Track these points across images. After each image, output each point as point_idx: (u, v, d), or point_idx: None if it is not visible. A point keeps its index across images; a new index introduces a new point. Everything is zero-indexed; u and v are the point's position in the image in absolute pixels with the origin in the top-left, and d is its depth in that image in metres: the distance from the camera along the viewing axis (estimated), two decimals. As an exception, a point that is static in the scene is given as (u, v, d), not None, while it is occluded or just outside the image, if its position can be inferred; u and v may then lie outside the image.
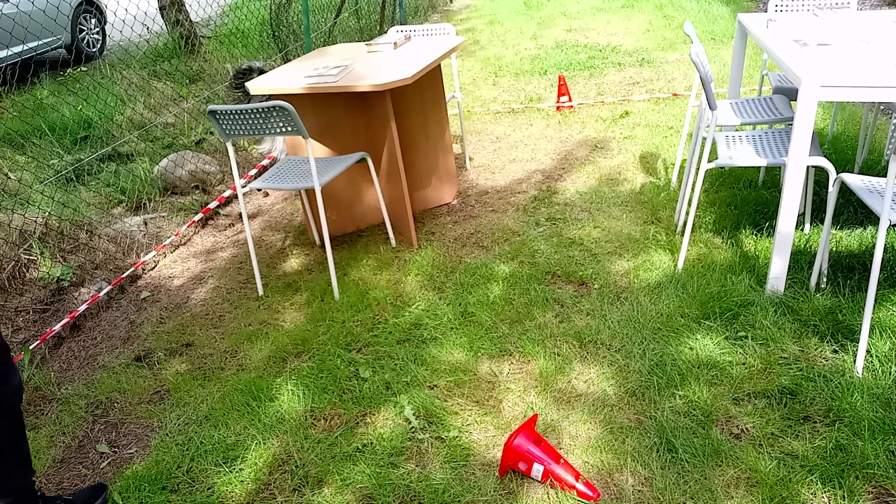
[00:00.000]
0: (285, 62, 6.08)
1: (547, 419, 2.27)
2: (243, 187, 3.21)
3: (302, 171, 3.27)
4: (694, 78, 3.58)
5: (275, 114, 2.85)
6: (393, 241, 3.57)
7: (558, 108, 5.35)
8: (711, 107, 2.67)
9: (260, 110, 2.85)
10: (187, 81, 7.08)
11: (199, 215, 4.17)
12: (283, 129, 2.93)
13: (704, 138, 3.12)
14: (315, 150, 3.62)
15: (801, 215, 3.22)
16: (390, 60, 3.43)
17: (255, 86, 3.29)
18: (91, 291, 3.52)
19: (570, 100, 5.35)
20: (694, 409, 2.22)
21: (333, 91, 3.18)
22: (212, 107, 2.94)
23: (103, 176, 4.76)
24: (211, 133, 5.57)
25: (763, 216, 3.29)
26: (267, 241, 3.87)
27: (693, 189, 2.86)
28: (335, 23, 7.14)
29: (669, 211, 3.53)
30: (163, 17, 8.24)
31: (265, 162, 4.93)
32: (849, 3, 3.74)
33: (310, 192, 3.65)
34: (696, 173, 3.28)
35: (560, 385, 2.42)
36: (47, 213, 3.97)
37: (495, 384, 2.47)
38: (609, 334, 2.64)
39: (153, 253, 3.77)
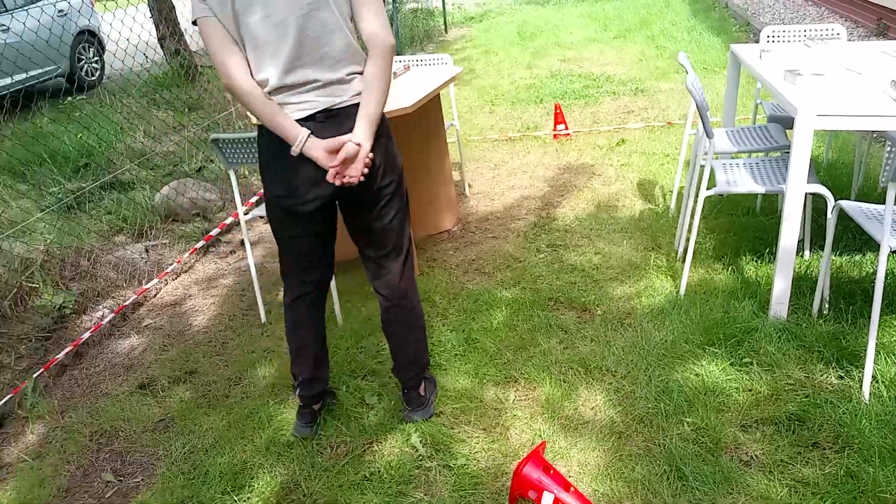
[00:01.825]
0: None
1: (555, 447, 2.27)
2: (245, 214, 3.22)
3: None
4: (689, 107, 3.64)
5: (281, 142, 2.88)
6: (395, 268, 3.58)
7: (555, 136, 5.41)
8: (708, 135, 2.71)
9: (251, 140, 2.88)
10: (186, 110, 7.14)
11: (201, 242, 4.18)
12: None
13: (703, 166, 3.17)
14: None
15: (801, 241, 3.26)
16: (391, 90, 3.47)
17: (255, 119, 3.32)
18: (93, 319, 3.51)
19: (566, 128, 5.42)
20: (702, 436, 2.23)
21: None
22: (214, 135, 2.97)
23: (104, 204, 4.78)
24: (211, 161, 5.60)
25: (762, 243, 3.33)
26: (269, 268, 3.88)
27: (693, 215, 2.89)
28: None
29: (669, 237, 3.56)
30: (161, 47, 8.33)
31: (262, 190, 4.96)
32: (839, 34, 3.83)
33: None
34: (696, 200, 3.32)
35: (567, 412, 2.42)
36: (49, 241, 3.97)
37: (501, 411, 2.47)
38: (614, 360, 2.65)
39: (155, 280, 3.77)
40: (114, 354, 3.21)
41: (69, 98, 7.70)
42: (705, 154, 3.13)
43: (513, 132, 5.67)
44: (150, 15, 8.13)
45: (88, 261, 3.91)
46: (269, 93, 1.97)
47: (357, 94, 2.01)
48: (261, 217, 3.23)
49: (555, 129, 5.42)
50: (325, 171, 2.00)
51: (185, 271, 4.00)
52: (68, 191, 4.94)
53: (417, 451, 2.31)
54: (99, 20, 9.88)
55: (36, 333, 3.39)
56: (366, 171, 1.99)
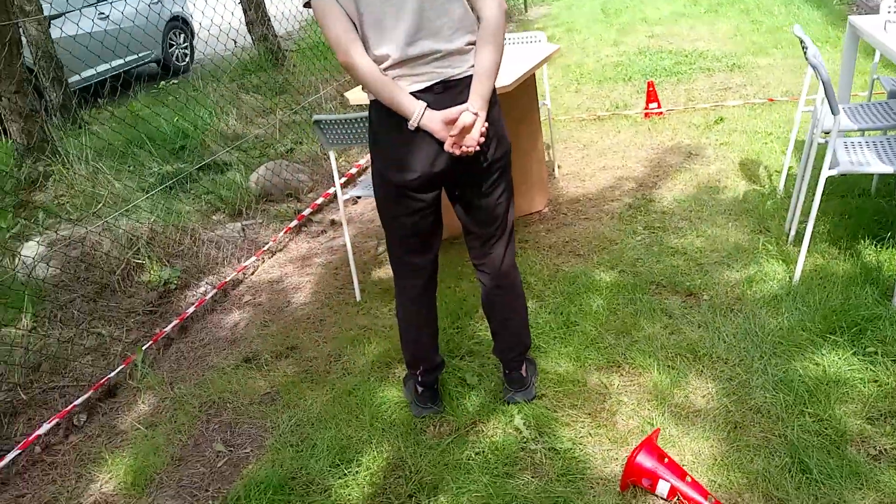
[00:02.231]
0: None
1: (666, 434, 2.19)
2: (343, 194, 3.25)
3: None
4: (804, 81, 3.43)
5: (381, 121, 2.88)
6: (488, 249, 3.54)
7: (646, 114, 5.24)
8: (834, 111, 2.54)
9: (365, 119, 2.88)
10: (273, 94, 7.29)
11: (294, 222, 4.26)
12: (388, 137, 2.95)
13: (821, 144, 2.98)
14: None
15: (926, 225, 3.04)
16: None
17: (354, 95, 3.33)
18: (196, 294, 3.63)
19: (658, 106, 5.23)
20: (826, 428, 2.11)
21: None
22: (317, 117, 3.00)
23: (202, 184, 4.93)
24: (299, 143, 5.70)
25: (881, 226, 3.12)
26: (360, 247, 3.91)
27: (813, 197, 2.72)
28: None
29: (778, 220, 3.39)
30: (249, 32, 8.52)
31: (353, 171, 5.01)
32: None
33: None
34: (815, 181, 3.12)
35: (677, 399, 2.34)
36: (152, 220, 4.13)
37: (606, 396, 2.41)
38: (725, 348, 2.54)
39: (253, 258, 3.86)
40: (217, 328, 3.31)
41: (162, 83, 7.98)
42: (824, 132, 2.95)
43: (601, 111, 5.52)
44: (238, 1, 8.31)
45: (190, 238, 4.04)
46: (389, 67, 1.95)
47: (472, 65, 1.97)
48: (357, 197, 3.25)
49: (647, 108, 5.24)
50: (441, 144, 1.97)
51: (280, 250, 4.09)
52: (168, 172, 5.12)
53: (521, 433, 2.28)
54: (189, 6, 10.19)
55: (143, 307, 3.54)
56: (482, 139, 1.96)
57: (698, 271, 3.07)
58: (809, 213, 2.78)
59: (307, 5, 1.97)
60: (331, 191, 4.69)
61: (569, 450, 2.18)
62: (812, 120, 3.09)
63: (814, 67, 2.60)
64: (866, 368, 2.32)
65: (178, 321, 3.30)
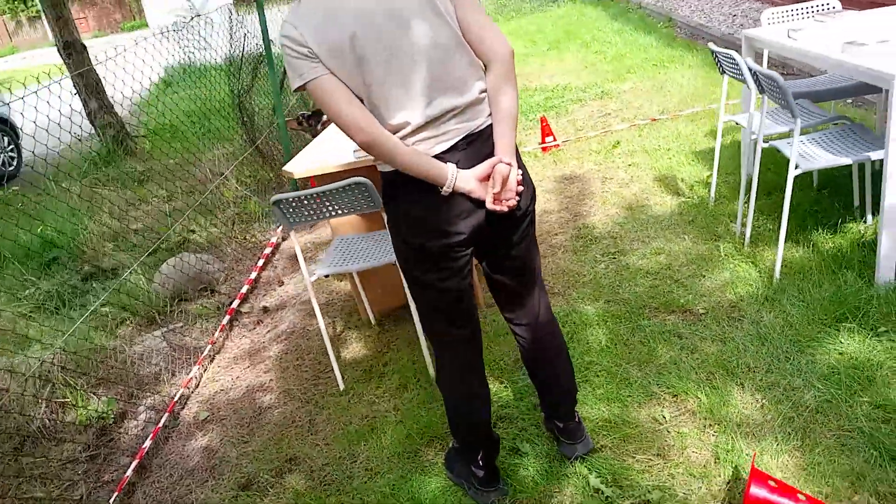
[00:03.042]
0: (254, 146, 5.83)
1: (744, 456, 2.13)
2: (311, 276, 2.96)
3: (370, 247, 3.06)
4: (721, 95, 3.64)
5: (351, 192, 2.66)
6: (459, 306, 3.37)
7: (544, 148, 5.36)
8: (794, 115, 2.69)
9: (334, 191, 2.65)
10: (136, 185, 6.68)
11: (226, 318, 3.84)
12: (358, 207, 2.73)
13: (764, 148, 3.14)
14: (356, 225, 3.42)
15: (858, 208, 3.29)
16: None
17: (299, 170, 3.07)
18: (140, 424, 3.12)
19: (554, 139, 5.38)
20: (891, 413, 2.15)
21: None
22: (276, 196, 2.71)
23: (95, 297, 4.32)
24: (191, 231, 5.22)
25: (823, 215, 3.34)
26: (313, 330, 3.59)
27: (784, 197, 2.85)
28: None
29: (722, 225, 3.53)
30: (91, 122, 7.80)
31: (268, 251, 4.65)
32: (834, 7, 3.94)
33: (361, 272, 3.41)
34: (787, 182, 3.28)
35: (734, 418, 2.29)
36: (55, 348, 3.53)
37: (664, 431, 2.32)
38: (751, 356, 2.55)
39: (196, 368, 3.40)
40: (185, 459, 2.84)
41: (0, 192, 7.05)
42: (767, 137, 3.13)
43: (499, 152, 5.57)
44: (74, 91, 7.60)
45: (108, 360, 3.49)
46: (410, 134, 1.78)
47: (489, 113, 1.85)
48: (325, 276, 2.97)
49: (543, 142, 5.37)
50: (473, 201, 1.82)
51: (218, 352, 3.65)
52: (47, 290, 4.45)
53: (603, 492, 2.12)
54: (8, 106, 9.18)
55: (80, 454, 2.97)
56: (520, 189, 1.83)
57: (679, 287, 3.11)
58: (750, 213, 2.90)
59: (300, 89, 1.76)
60: (253, 276, 4.30)
61: (662, 499, 2.05)
62: (748, 127, 3.26)
63: (771, 79, 2.74)
64: (888, 346, 2.42)
65: (135, 460, 2.80)
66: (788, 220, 2.95)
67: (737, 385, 2.44)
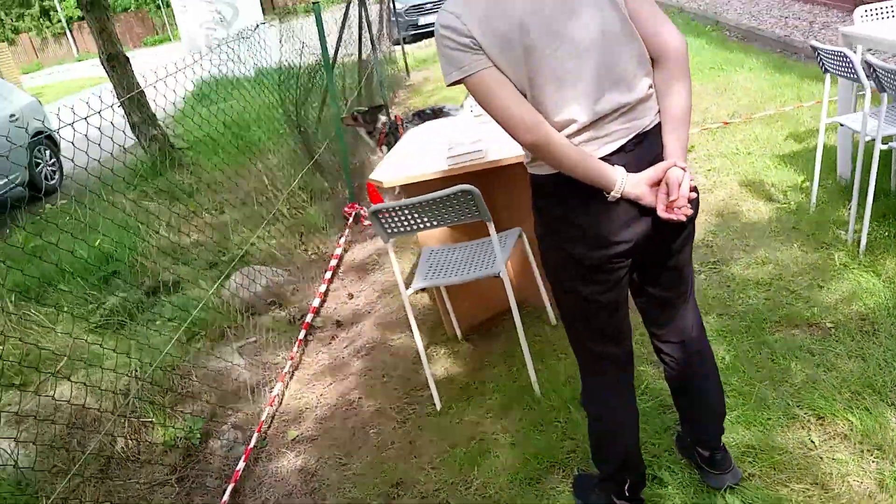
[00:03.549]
0: (308, 156, 5.71)
1: (919, 486, 1.94)
2: (407, 289, 2.81)
3: (462, 259, 2.90)
4: (823, 93, 3.45)
5: (457, 201, 2.50)
6: (553, 320, 3.20)
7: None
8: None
9: (440, 199, 2.50)
10: (186, 197, 6.59)
11: (302, 332, 3.69)
12: (463, 216, 2.58)
13: (883, 150, 2.95)
14: (447, 236, 3.27)
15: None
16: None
17: (390, 179, 2.93)
18: (226, 443, 2.98)
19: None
20: None
21: (478, 169, 2.86)
22: (375, 206, 2.57)
23: (157, 311, 4.21)
24: (251, 244, 5.10)
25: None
26: (395, 345, 3.43)
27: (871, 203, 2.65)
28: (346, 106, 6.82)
29: (832, 233, 3.33)
30: (135, 134, 7.77)
31: (333, 262, 4.51)
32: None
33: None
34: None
35: (894, 442, 2.09)
36: (132, 366, 3.40)
37: (817, 458, 2.12)
38: (898, 374, 2.35)
39: (279, 385, 3.26)
40: (280, 482, 2.69)
41: (49, 206, 7.01)
42: (886, 138, 2.94)
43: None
44: (118, 104, 7.56)
45: (184, 378, 3.36)
46: (575, 133, 1.62)
47: (657, 111, 1.68)
48: (419, 291, 2.83)
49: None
50: (638, 207, 1.65)
51: (297, 368, 3.50)
52: (112, 306, 4.35)
53: (763, 526, 1.93)
54: (49, 119, 9.20)
55: (169, 475, 2.83)
56: (693, 196, 1.65)
57: (798, 299, 2.91)
58: (865, 219, 2.70)
59: (457, 83, 1.61)
60: (322, 288, 4.16)
61: (832, 533, 1.86)
62: (863, 128, 3.06)
63: (888, 71, 2.55)
64: None
65: (231, 484, 2.65)
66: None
67: (888, 406, 2.24)
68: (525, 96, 1.60)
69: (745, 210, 3.81)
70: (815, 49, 3.34)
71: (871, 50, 3.70)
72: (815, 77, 5.72)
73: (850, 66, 3.03)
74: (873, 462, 2.06)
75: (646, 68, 1.65)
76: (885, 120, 3.25)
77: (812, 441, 2.18)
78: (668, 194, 1.62)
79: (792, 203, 3.73)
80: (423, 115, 5.42)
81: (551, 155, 1.59)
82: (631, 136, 1.65)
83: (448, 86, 1.62)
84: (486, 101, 1.59)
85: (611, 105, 1.61)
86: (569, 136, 1.61)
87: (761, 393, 2.42)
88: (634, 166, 1.64)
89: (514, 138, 1.62)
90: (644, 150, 1.66)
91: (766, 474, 2.10)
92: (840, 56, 3.10)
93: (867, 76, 2.92)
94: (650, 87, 1.66)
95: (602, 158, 1.63)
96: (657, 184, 1.64)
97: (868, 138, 3.09)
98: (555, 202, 1.71)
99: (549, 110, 1.60)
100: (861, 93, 3.16)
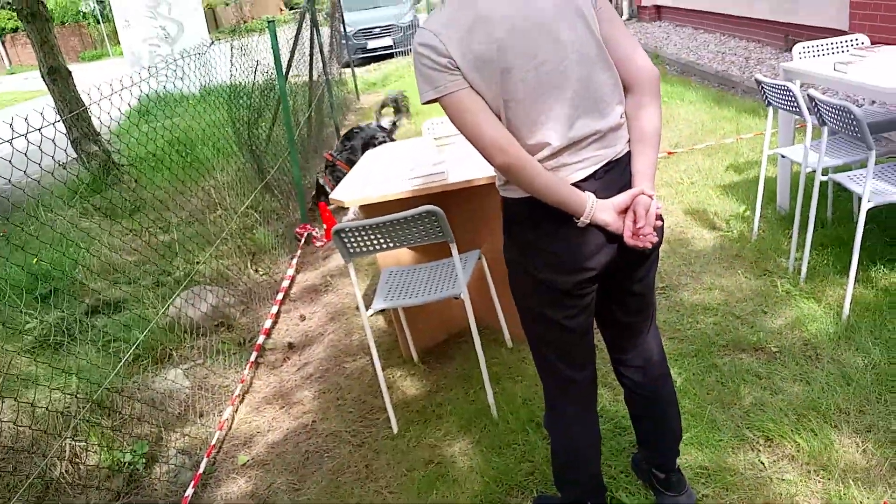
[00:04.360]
0: (262, 181, 5.63)
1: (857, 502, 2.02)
2: (367, 310, 2.79)
3: (423, 280, 2.90)
4: (766, 126, 3.61)
5: (422, 221, 2.51)
6: (509, 342, 3.23)
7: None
8: (869, 147, 2.65)
9: (404, 220, 2.50)
10: (126, 215, 6.39)
11: (253, 354, 3.61)
12: (426, 238, 2.59)
13: (822, 181, 3.10)
14: (406, 257, 3.27)
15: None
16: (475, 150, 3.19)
17: (350, 199, 2.92)
18: (172, 469, 2.87)
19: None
20: None
21: (439, 191, 2.88)
22: (338, 225, 2.55)
23: (102, 332, 4.05)
24: (199, 263, 4.97)
25: (872, 251, 3.30)
26: (350, 368, 3.39)
27: (855, 230, 2.78)
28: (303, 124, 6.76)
29: (769, 260, 3.47)
30: (76, 150, 7.52)
31: (285, 284, 4.44)
32: (862, 42, 3.96)
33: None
34: (858, 217, 3.20)
35: (838, 463, 2.18)
36: (76, 387, 3.26)
37: (767, 479, 2.19)
38: (840, 397, 2.46)
39: (229, 408, 3.17)
40: (231, 509, 2.61)
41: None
42: (825, 169, 3.09)
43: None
44: (57, 118, 7.31)
45: (130, 400, 3.24)
46: (547, 157, 1.65)
47: (627, 140, 1.73)
48: (381, 311, 2.80)
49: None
50: (609, 235, 1.69)
51: (245, 392, 3.42)
52: (49, 325, 4.16)
53: (719, 545, 1.97)
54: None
55: (111, 503, 2.71)
56: (659, 223, 1.70)
57: (744, 324, 3.01)
58: (806, 248, 2.83)
59: (432, 102, 1.63)
60: (273, 310, 4.09)
61: (784, 551, 1.92)
62: (804, 159, 3.22)
63: (844, 110, 2.69)
64: (983, 387, 2.35)
65: (179, 512, 2.56)
66: (839, 255, 2.89)
67: (832, 427, 2.33)
68: (500, 118, 1.62)
69: (690, 237, 3.94)
70: (759, 82, 3.51)
71: (806, 84, 3.92)
72: (753, 111, 6.00)
73: (793, 99, 3.19)
74: (819, 482, 2.14)
75: (619, 96, 1.70)
76: (825, 152, 3.43)
77: (762, 462, 2.26)
78: (635, 221, 1.66)
79: (734, 231, 3.87)
80: (349, 137, 5.69)
81: (523, 178, 1.62)
82: (602, 164, 1.69)
83: (423, 104, 1.64)
84: (461, 122, 1.61)
85: (584, 131, 1.65)
86: (541, 160, 1.64)
87: (712, 415, 2.49)
88: (604, 193, 1.68)
89: (487, 159, 1.64)
90: (614, 177, 1.70)
91: (719, 495, 2.16)
92: (783, 90, 3.26)
93: (809, 110, 3.08)
94: (622, 115, 1.71)
95: (573, 184, 1.66)
96: (625, 211, 1.68)
97: (809, 169, 3.25)
98: (526, 226, 1.73)
99: (523, 133, 1.63)
100: (800, 126, 3.33)
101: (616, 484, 2.27)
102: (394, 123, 6.19)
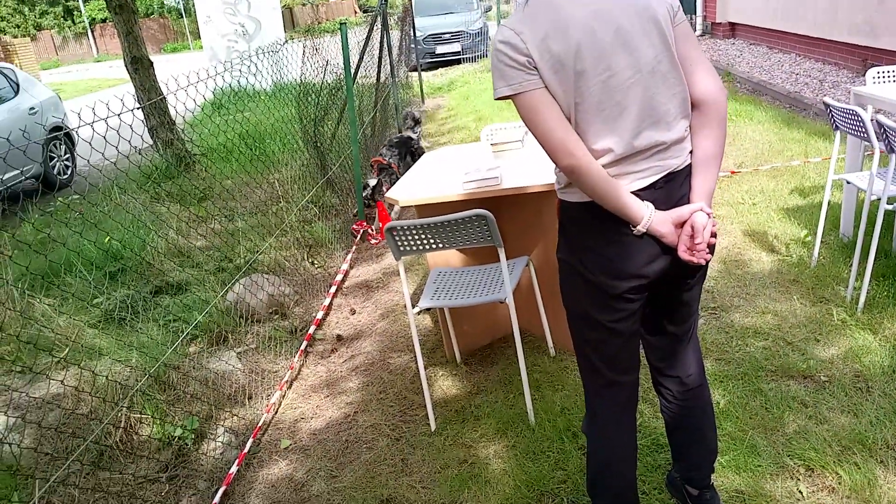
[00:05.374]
0: (324, 177, 5.79)
1: (904, 542, 1.96)
2: (413, 308, 2.85)
3: (470, 283, 2.95)
4: (833, 149, 3.52)
5: (471, 224, 2.56)
6: (552, 350, 3.24)
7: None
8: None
9: (455, 222, 2.56)
10: (195, 202, 6.66)
11: (304, 343, 3.73)
12: (475, 240, 2.63)
13: (888, 210, 3.02)
14: (455, 258, 3.32)
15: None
16: (531, 157, 3.22)
17: (405, 198, 3.00)
18: (218, 447, 3.00)
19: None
20: None
21: (492, 195, 2.93)
22: (390, 224, 2.63)
23: (165, 311, 4.24)
24: (256, 252, 5.15)
25: (939, 285, 3.19)
26: (394, 364, 3.47)
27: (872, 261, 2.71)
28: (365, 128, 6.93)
29: (827, 288, 3.39)
30: (152, 138, 7.87)
31: (338, 277, 4.56)
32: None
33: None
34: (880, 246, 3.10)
35: (881, 499, 2.12)
36: (135, 361, 3.43)
37: (804, 506, 2.15)
38: (889, 432, 2.39)
39: (278, 393, 3.29)
40: (271, 489, 2.71)
41: (60, 199, 7.07)
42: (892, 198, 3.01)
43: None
44: (138, 106, 7.67)
45: (183, 377, 3.39)
46: (610, 164, 1.68)
47: (689, 151, 1.74)
48: (426, 310, 2.87)
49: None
50: (664, 246, 1.70)
51: (295, 378, 3.53)
52: (117, 300, 4.39)
53: (748, 569, 1.95)
54: (66, 115, 9.31)
55: (157, 472, 2.85)
56: (713, 241, 1.70)
57: (794, 350, 2.95)
58: (865, 278, 2.75)
59: (505, 98, 1.67)
60: (326, 302, 4.21)
61: (815, 582, 1.89)
62: (869, 187, 3.14)
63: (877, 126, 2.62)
64: None
65: (223, 486, 2.67)
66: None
67: (878, 463, 2.27)
68: (569, 119, 1.66)
69: (747, 259, 3.87)
70: (827, 106, 3.43)
71: (880, 111, 3.81)
72: (823, 134, 5.83)
73: (861, 125, 3.11)
74: (860, 516, 2.09)
75: (686, 110, 1.71)
76: (892, 181, 3.33)
77: (800, 491, 2.21)
78: (691, 237, 1.67)
79: (794, 256, 3.79)
80: (394, 145, 6.28)
81: (586, 182, 1.65)
82: (662, 175, 1.70)
83: (496, 99, 1.69)
84: (532, 121, 1.65)
85: (648, 142, 1.67)
86: (603, 166, 1.67)
87: (753, 440, 2.45)
88: (662, 204, 1.70)
89: (553, 160, 1.67)
90: (673, 189, 1.72)
91: (754, 519, 2.13)
92: (852, 114, 3.18)
93: (877, 136, 3.00)
94: (686, 129, 1.73)
95: (632, 192, 1.69)
96: (681, 224, 1.69)
97: (874, 197, 3.16)
98: (583, 229, 1.76)
99: (589, 137, 1.66)
100: (868, 152, 3.24)
101: (649, 500, 2.27)
102: (418, 134, 6.86)
